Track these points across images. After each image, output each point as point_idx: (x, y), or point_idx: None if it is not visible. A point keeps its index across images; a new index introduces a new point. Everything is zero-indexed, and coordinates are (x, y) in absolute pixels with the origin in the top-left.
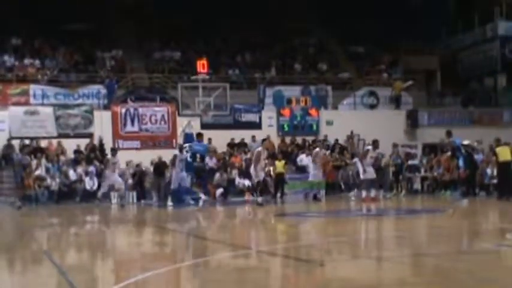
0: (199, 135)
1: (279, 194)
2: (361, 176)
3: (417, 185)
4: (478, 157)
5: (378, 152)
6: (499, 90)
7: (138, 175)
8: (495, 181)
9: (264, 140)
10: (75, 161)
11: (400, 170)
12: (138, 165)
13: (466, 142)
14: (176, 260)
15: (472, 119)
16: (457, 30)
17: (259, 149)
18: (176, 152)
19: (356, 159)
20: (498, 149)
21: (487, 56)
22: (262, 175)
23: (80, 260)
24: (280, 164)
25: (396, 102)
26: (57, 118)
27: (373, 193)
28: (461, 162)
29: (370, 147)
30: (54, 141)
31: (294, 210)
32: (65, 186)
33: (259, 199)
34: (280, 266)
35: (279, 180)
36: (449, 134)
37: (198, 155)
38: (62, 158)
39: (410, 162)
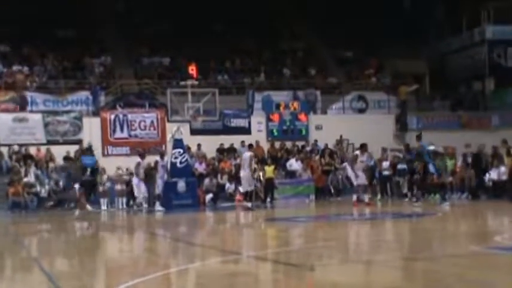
0: (88, 149)
1: (268, 199)
2: (354, 183)
3: (406, 189)
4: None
5: (367, 155)
6: (487, 94)
7: (130, 182)
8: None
9: (250, 145)
10: (64, 167)
11: (374, 174)
12: (131, 173)
13: (431, 147)
14: (166, 266)
15: (460, 123)
16: (445, 34)
17: (250, 153)
18: (157, 158)
19: (345, 164)
20: None
21: (475, 60)
22: (253, 182)
23: (69, 266)
24: (269, 169)
25: (402, 107)
26: (46, 125)
27: (366, 198)
28: (431, 168)
29: (358, 152)
30: (43, 148)
31: (284, 215)
32: (54, 193)
33: (249, 204)
34: (270, 271)
35: (269, 185)
36: (418, 137)
37: (88, 169)
38: (51, 164)
39: (399, 166)
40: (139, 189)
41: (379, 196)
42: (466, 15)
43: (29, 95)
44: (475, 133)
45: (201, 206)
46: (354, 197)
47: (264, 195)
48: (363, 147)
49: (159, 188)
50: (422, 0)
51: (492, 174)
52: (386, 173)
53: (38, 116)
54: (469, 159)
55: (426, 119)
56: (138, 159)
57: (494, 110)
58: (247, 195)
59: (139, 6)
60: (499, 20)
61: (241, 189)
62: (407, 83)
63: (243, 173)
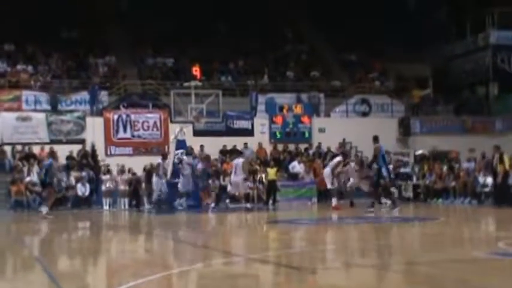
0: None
1: (271, 201)
2: (329, 186)
3: (409, 193)
4: (469, 165)
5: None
6: (491, 99)
7: (134, 183)
8: (487, 189)
9: (245, 144)
10: (67, 167)
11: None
12: (134, 174)
13: (419, 152)
14: (168, 267)
15: (464, 127)
16: (449, 38)
17: (243, 160)
18: (159, 160)
19: (348, 167)
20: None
21: (479, 65)
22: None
23: (71, 266)
24: (272, 171)
25: (416, 110)
26: (49, 124)
27: (334, 201)
28: (384, 172)
29: (339, 158)
30: (46, 147)
31: (286, 217)
32: (56, 192)
33: (248, 205)
34: (271, 273)
35: (271, 187)
36: (375, 139)
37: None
38: (54, 164)
39: (402, 170)
40: (158, 187)
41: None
42: (471, 20)
43: (32, 94)
44: (478, 137)
45: (202, 207)
46: (334, 202)
47: (267, 198)
48: (345, 156)
49: (184, 186)
50: (426, 4)
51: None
52: None
53: (42, 115)
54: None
55: (429, 122)
56: (144, 158)
57: (497, 115)
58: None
59: (143, 7)
60: (503, 25)
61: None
62: (420, 87)
63: (235, 178)
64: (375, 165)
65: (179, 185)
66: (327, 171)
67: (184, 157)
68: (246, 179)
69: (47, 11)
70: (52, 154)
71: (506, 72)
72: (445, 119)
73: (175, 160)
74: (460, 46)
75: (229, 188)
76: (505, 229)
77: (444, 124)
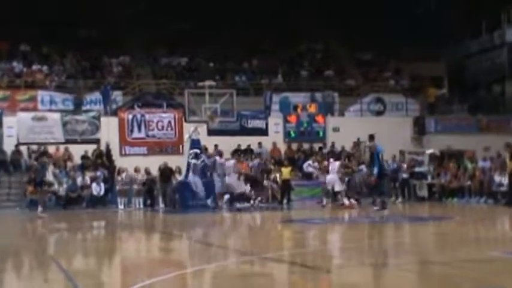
0: None
1: (285, 201)
2: (337, 188)
3: (424, 192)
4: (485, 164)
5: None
6: (507, 97)
7: (148, 183)
8: (503, 189)
9: (218, 151)
10: (82, 166)
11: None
12: (149, 173)
13: (430, 151)
14: (183, 266)
15: (479, 126)
16: (464, 36)
17: (234, 161)
18: (217, 157)
19: (362, 166)
20: None
21: (495, 63)
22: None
23: (86, 265)
24: (286, 171)
25: (430, 109)
26: (64, 124)
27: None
28: (376, 170)
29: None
30: (62, 147)
31: (301, 217)
32: (72, 192)
33: (238, 204)
34: (286, 272)
35: (285, 187)
36: (371, 137)
37: None
38: (69, 163)
39: (417, 169)
40: (197, 187)
41: (399, 199)
42: (486, 18)
43: (48, 94)
44: (494, 136)
45: (217, 206)
46: (346, 201)
47: (281, 197)
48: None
49: (220, 186)
50: (441, 2)
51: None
52: (404, 175)
53: (57, 115)
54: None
55: (444, 121)
56: (158, 158)
57: None
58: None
59: (157, 7)
60: None
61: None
62: (435, 86)
63: (229, 180)
64: (398, 162)
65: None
66: (332, 177)
67: (217, 157)
68: (239, 179)
69: (62, 11)
70: (45, 153)
71: None
72: (460, 118)
73: (189, 160)
74: (475, 44)
75: (229, 188)
76: None
77: (459, 123)
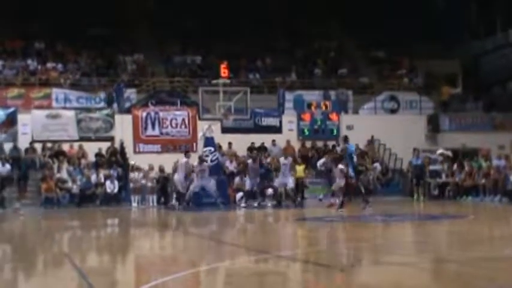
0: None
1: (299, 199)
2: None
3: (437, 190)
4: (500, 163)
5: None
6: None
7: (162, 180)
8: None
9: (187, 152)
10: (96, 164)
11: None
12: (162, 171)
13: (440, 151)
14: (196, 264)
15: (493, 124)
16: (478, 34)
17: (186, 160)
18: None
19: (376, 164)
20: None
21: (509, 61)
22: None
23: (100, 262)
24: (300, 169)
25: (444, 107)
26: (78, 122)
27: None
28: (350, 171)
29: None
30: (76, 145)
31: (314, 215)
32: (86, 189)
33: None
34: (300, 271)
35: (299, 185)
36: (345, 139)
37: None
38: (83, 161)
39: (431, 167)
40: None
41: (422, 197)
42: (500, 16)
43: (62, 92)
44: (508, 134)
45: (231, 204)
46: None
47: (295, 195)
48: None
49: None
50: (455, 0)
51: None
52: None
53: (71, 113)
54: None
55: (459, 119)
56: (172, 156)
57: None
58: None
59: (171, 5)
60: None
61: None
62: (450, 84)
63: (177, 176)
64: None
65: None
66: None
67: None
68: (186, 178)
69: (76, 9)
70: (33, 150)
71: None
72: (475, 116)
73: (203, 157)
74: (490, 42)
75: (176, 185)
76: None
77: (473, 121)
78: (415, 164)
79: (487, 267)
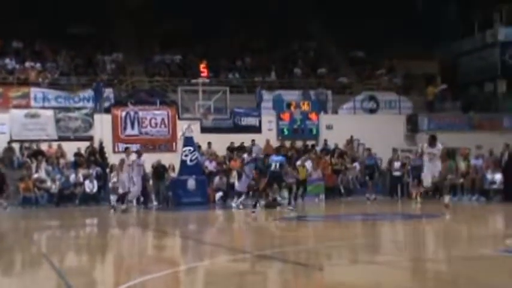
0: None
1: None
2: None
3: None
4: (477, 162)
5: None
6: (499, 96)
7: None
8: (495, 186)
9: (126, 148)
10: (75, 163)
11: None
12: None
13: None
14: (175, 264)
15: (472, 124)
16: (457, 35)
17: (134, 158)
18: (245, 155)
19: (356, 164)
20: None
21: (487, 62)
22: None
23: (79, 262)
24: None
25: (430, 107)
26: (57, 121)
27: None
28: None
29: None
30: (54, 144)
31: (294, 214)
32: (64, 189)
33: (123, 206)
34: (278, 270)
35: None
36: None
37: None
38: (62, 160)
39: (410, 167)
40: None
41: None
42: (479, 17)
43: (40, 91)
44: (486, 134)
45: (210, 204)
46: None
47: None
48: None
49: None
50: (435, 1)
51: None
52: (397, 173)
53: (50, 112)
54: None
55: (437, 119)
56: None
57: (505, 112)
58: (120, 198)
59: (151, 4)
60: (511, 22)
61: (120, 190)
62: (434, 83)
63: (121, 176)
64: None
65: (236, 184)
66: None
67: (245, 155)
68: (131, 178)
69: (55, 7)
70: (11, 149)
71: None
72: (453, 116)
73: (183, 157)
74: (468, 43)
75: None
76: None
77: (452, 121)
78: (414, 164)
79: (466, 266)
